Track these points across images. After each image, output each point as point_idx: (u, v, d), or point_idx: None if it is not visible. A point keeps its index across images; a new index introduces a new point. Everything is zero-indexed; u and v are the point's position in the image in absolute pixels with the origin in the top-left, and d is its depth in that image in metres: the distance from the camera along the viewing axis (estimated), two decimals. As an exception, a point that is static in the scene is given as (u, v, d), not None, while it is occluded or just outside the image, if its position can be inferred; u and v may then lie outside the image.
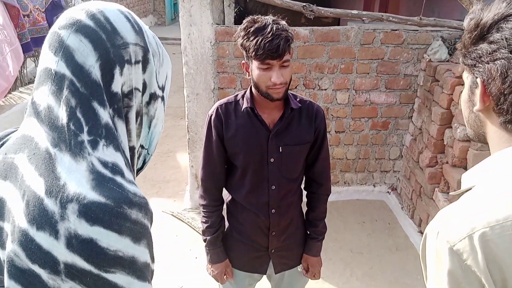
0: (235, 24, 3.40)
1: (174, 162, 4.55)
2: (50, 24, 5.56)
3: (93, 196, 0.61)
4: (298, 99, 1.58)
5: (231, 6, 3.50)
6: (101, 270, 0.61)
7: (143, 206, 0.66)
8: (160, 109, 0.80)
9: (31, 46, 5.14)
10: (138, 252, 0.64)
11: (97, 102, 0.67)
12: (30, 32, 5.16)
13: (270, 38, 1.33)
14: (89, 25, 0.68)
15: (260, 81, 1.42)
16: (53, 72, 0.67)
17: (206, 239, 1.69)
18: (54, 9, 5.69)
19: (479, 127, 0.80)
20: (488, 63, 0.71)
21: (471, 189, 0.75)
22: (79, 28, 0.67)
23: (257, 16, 1.42)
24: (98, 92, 0.67)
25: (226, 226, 1.75)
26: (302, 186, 1.74)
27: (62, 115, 0.66)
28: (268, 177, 1.58)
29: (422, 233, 3.16)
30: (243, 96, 1.56)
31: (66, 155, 0.64)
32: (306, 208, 1.77)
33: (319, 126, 1.59)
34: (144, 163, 0.84)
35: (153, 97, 0.77)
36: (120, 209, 0.62)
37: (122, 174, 0.66)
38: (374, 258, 3.07)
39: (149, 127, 0.79)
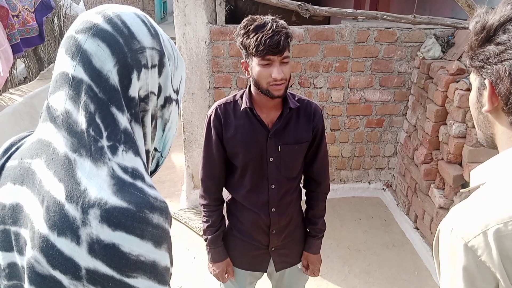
0: (226, 23, 3.40)
1: (169, 162, 4.53)
2: (39, 24, 5.50)
3: (115, 201, 0.61)
4: (296, 98, 1.60)
5: (222, 4, 3.49)
6: (123, 275, 0.61)
7: (164, 210, 0.66)
8: (174, 112, 0.80)
9: (21, 46, 5.07)
10: (159, 256, 0.64)
11: (116, 107, 0.67)
12: (19, 32, 5.09)
13: (270, 34, 1.36)
14: (106, 30, 0.67)
15: (260, 78, 1.43)
16: (71, 77, 0.66)
17: (207, 238, 1.70)
18: (43, 9, 5.63)
19: (488, 128, 0.82)
20: (496, 64, 0.72)
21: (479, 186, 0.76)
22: (97, 32, 0.67)
23: (256, 16, 1.43)
24: (116, 97, 0.67)
25: (227, 225, 1.76)
26: (301, 184, 1.75)
27: (81, 120, 0.65)
28: (267, 176, 1.59)
29: (418, 229, 3.19)
30: (241, 96, 1.57)
31: (87, 161, 0.64)
32: (306, 206, 1.78)
33: (317, 125, 1.61)
34: (157, 165, 0.84)
35: (168, 100, 0.77)
36: (142, 214, 0.62)
37: (142, 179, 0.66)
38: (371, 254, 3.10)
39: (163, 130, 0.79)
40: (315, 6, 2.76)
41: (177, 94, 0.80)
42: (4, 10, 4.83)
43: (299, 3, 2.77)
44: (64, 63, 0.68)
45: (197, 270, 2.90)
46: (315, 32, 3.17)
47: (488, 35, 0.73)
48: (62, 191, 0.62)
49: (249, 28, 1.40)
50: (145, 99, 0.72)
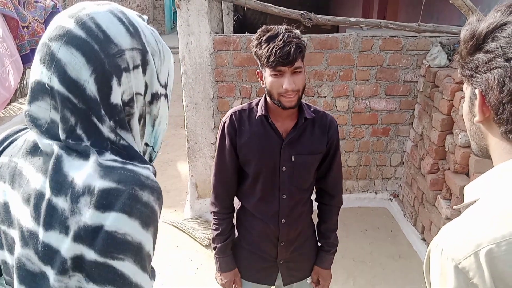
0: (234, 32, 3.40)
1: (175, 171, 4.53)
2: (49, 35, 5.58)
3: (102, 183, 0.61)
4: (312, 109, 1.58)
5: (230, 14, 3.50)
6: (107, 257, 0.59)
7: (156, 190, 0.65)
8: (163, 107, 0.78)
9: (30, 57, 5.15)
10: (145, 239, 0.63)
11: (96, 118, 0.65)
12: (29, 43, 5.18)
13: (281, 45, 1.35)
14: (80, 36, 0.64)
15: (272, 88, 1.42)
16: (48, 88, 0.65)
17: (216, 246, 1.68)
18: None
19: (481, 139, 0.78)
20: (485, 73, 0.70)
21: (474, 202, 0.73)
22: (70, 39, 0.64)
23: (271, 26, 1.43)
24: (96, 107, 0.65)
25: (236, 236, 1.74)
26: (313, 197, 1.72)
27: (62, 131, 0.65)
28: (279, 186, 1.57)
29: (425, 240, 3.13)
30: (257, 104, 1.57)
31: (76, 158, 0.64)
32: (318, 220, 1.75)
33: (332, 137, 1.59)
34: (150, 160, 0.82)
35: (155, 96, 0.75)
36: (131, 191, 0.61)
37: (134, 164, 0.66)
38: (377, 266, 3.04)
39: (153, 126, 0.77)
40: (317, 15, 2.74)
41: (166, 88, 0.78)
42: (14, 21, 4.92)
43: (302, 12, 2.76)
44: (39, 72, 0.66)
45: (200, 281, 2.87)
46: (319, 41, 3.15)
47: (477, 43, 0.71)
48: (50, 187, 0.62)
49: (262, 39, 1.40)
50: (129, 102, 0.70)
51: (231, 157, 1.58)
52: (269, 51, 1.36)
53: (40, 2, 5.51)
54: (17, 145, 0.72)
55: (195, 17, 3.03)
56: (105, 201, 0.59)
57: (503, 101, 0.67)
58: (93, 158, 0.63)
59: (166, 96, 0.78)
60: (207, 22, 3.05)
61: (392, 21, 3.16)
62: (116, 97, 0.67)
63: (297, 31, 1.43)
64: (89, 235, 0.59)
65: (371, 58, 3.23)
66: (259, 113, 1.52)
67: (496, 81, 0.68)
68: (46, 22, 5.61)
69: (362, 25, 2.93)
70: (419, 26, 2.86)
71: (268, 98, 1.51)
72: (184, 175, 4.35)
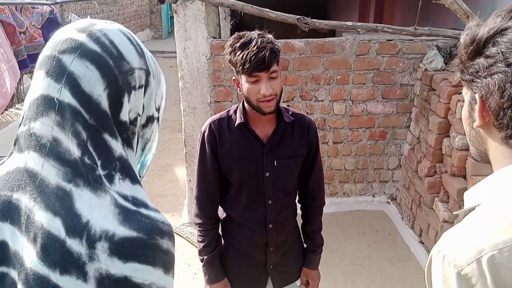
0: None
1: (172, 176, 4.52)
2: (46, 40, 5.57)
3: (123, 231, 0.58)
4: (290, 113, 1.58)
5: (227, 19, 3.51)
6: None
7: (172, 235, 0.64)
8: (155, 131, 0.77)
9: (27, 62, 5.14)
10: (168, 282, 0.63)
11: (108, 134, 0.63)
12: (26, 49, 5.17)
13: (255, 51, 1.34)
14: (95, 50, 0.63)
15: (250, 95, 1.42)
16: (57, 102, 0.61)
17: (203, 258, 1.66)
18: (50, 25, 5.71)
19: (481, 144, 0.78)
20: (486, 78, 0.70)
21: (475, 207, 0.73)
22: (84, 53, 0.62)
23: (243, 32, 1.43)
24: (108, 123, 0.63)
25: (222, 245, 1.73)
26: (296, 200, 1.73)
27: (73, 149, 0.61)
28: (264, 191, 1.57)
29: (423, 243, 3.13)
30: (235, 111, 1.56)
31: (85, 191, 0.60)
32: (302, 221, 1.76)
33: (312, 138, 1.60)
34: None
35: (150, 119, 0.74)
36: (153, 241, 0.60)
37: (145, 206, 0.64)
38: (375, 270, 3.03)
39: (143, 150, 0.76)
40: (314, 20, 2.75)
41: (158, 112, 0.77)
42: (11, 27, 4.91)
43: (298, 17, 2.77)
44: (45, 86, 0.62)
45: (198, 286, 2.86)
46: (316, 45, 3.16)
47: (477, 48, 0.71)
48: (60, 226, 0.58)
49: (235, 46, 1.39)
50: (134, 121, 0.69)
51: (213, 167, 1.56)
52: (243, 57, 1.35)
53: (37, 8, 5.51)
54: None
55: (192, 22, 3.03)
56: (126, 251, 0.57)
57: (504, 106, 0.68)
58: (108, 196, 0.60)
59: (158, 119, 0.78)
60: (204, 27, 3.06)
61: (389, 25, 3.17)
62: (125, 114, 0.66)
63: (270, 36, 1.42)
64: (114, 286, 0.57)
65: (368, 61, 3.25)
66: (238, 121, 1.52)
67: (496, 86, 0.68)
68: (43, 28, 5.61)
69: (358, 29, 2.94)
70: (416, 29, 2.87)
71: (246, 105, 1.51)
72: (182, 179, 4.34)
